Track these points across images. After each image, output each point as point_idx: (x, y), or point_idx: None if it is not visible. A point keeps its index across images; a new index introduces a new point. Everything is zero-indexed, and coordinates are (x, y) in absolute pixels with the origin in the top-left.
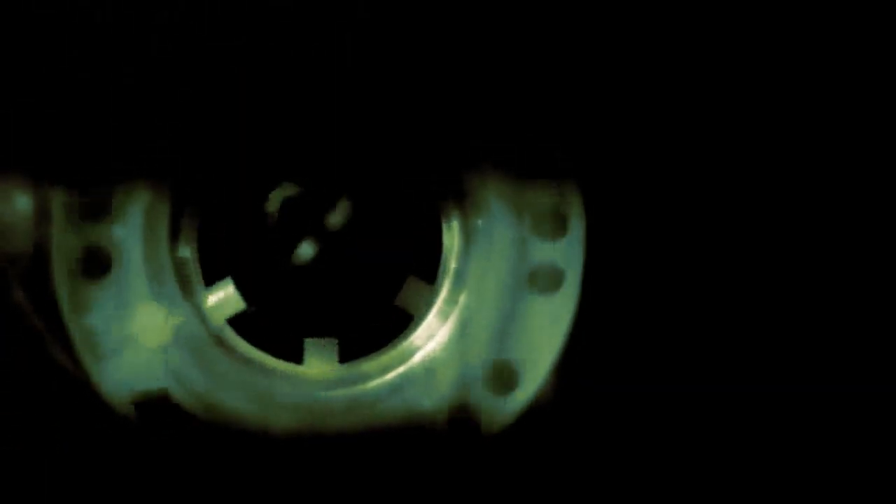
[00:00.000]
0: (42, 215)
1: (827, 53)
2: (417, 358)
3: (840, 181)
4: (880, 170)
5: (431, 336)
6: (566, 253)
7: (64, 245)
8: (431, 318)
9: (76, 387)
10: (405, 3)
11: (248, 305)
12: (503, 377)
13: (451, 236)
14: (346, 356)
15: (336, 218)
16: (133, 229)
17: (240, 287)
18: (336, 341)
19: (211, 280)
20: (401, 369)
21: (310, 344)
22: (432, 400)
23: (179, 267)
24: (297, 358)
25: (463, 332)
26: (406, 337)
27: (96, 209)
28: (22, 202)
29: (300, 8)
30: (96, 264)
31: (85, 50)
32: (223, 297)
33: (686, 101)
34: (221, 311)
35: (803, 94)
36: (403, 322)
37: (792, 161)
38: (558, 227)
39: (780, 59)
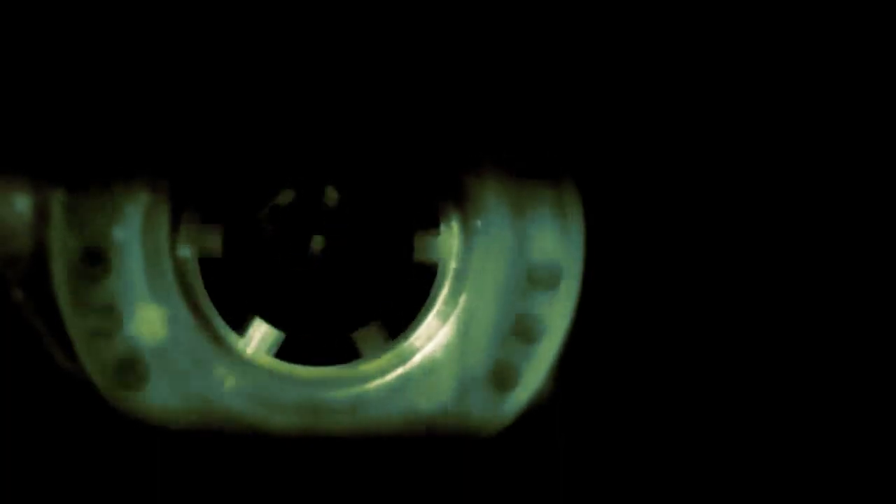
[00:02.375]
0: (41, 216)
1: (827, 53)
2: (417, 359)
3: (840, 180)
4: (880, 170)
5: (431, 337)
6: (565, 252)
7: (63, 245)
8: (431, 319)
9: (76, 387)
10: (403, 4)
11: (236, 292)
12: (503, 377)
13: (451, 237)
14: (345, 357)
15: (334, 219)
16: (132, 230)
17: (239, 290)
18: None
19: (211, 282)
20: (400, 370)
21: (359, 337)
22: (432, 401)
23: (179, 267)
24: (297, 358)
25: (463, 333)
26: (406, 338)
27: (96, 210)
28: (21, 203)
29: (299, 8)
30: (96, 265)
31: (84, 50)
32: (262, 336)
33: (685, 99)
34: (267, 348)
35: (803, 93)
36: (403, 323)
37: (791, 159)
38: (557, 226)
39: (780, 58)
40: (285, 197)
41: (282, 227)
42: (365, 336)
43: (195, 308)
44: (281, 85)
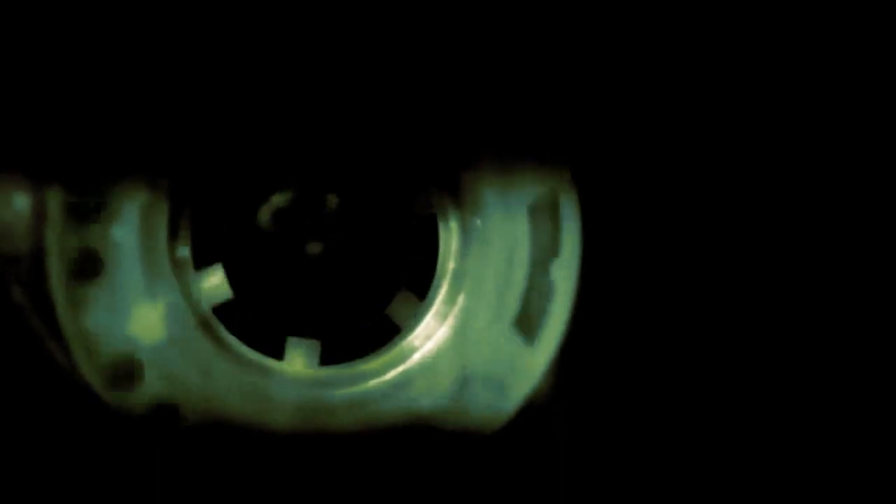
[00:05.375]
0: (39, 215)
1: (827, 53)
2: (416, 358)
3: (839, 178)
4: (880, 170)
5: (430, 336)
6: (563, 252)
7: (61, 245)
8: (430, 319)
9: (75, 387)
10: (400, 3)
11: (234, 293)
12: (501, 376)
13: (449, 236)
14: (343, 356)
15: (333, 218)
16: (130, 229)
17: (237, 289)
18: (318, 343)
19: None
20: (399, 369)
21: (292, 342)
22: (431, 399)
23: (177, 267)
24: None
25: (461, 332)
26: (404, 337)
27: (94, 209)
28: (19, 202)
29: (296, 7)
30: (93, 265)
31: (83, 50)
32: (212, 282)
33: (683, 98)
34: (209, 297)
35: (802, 91)
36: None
37: (791, 157)
38: (556, 225)
39: (779, 57)
40: (283, 196)
41: (280, 227)
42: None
43: (193, 308)
44: (278, 84)
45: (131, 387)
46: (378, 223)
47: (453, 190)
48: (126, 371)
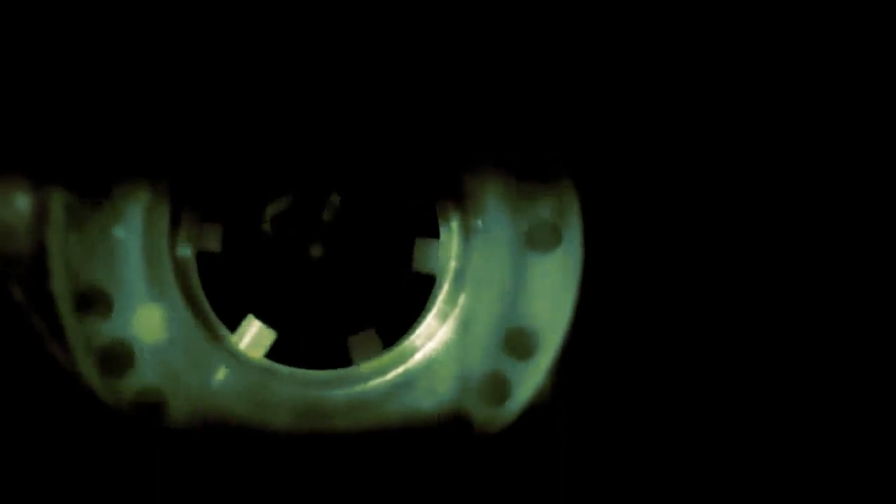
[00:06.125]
0: (41, 216)
1: (827, 53)
2: (417, 358)
3: (840, 182)
4: (880, 170)
5: (431, 336)
6: (564, 253)
7: (63, 246)
8: (431, 319)
9: (75, 387)
10: (404, 3)
11: (234, 294)
12: (503, 377)
13: (451, 237)
14: (343, 358)
15: (333, 219)
16: (133, 230)
17: (236, 290)
18: (374, 330)
19: (208, 281)
20: (400, 369)
21: (353, 341)
22: (432, 400)
23: (179, 267)
24: (295, 359)
25: (462, 333)
26: (406, 337)
27: (96, 210)
28: (21, 203)
29: (299, 8)
30: (95, 265)
31: (84, 50)
32: (255, 335)
33: (683, 101)
34: (259, 348)
35: (804, 94)
36: (402, 323)
37: (793, 165)
38: (557, 227)
39: (779, 59)
40: (284, 197)
41: (281, 228)
42: (359, 342)
43: (195, 308)
44: (280, 85)
45: (131, 387)
46: (379, 225)
47: (455, 191)
48: (127, 371)
